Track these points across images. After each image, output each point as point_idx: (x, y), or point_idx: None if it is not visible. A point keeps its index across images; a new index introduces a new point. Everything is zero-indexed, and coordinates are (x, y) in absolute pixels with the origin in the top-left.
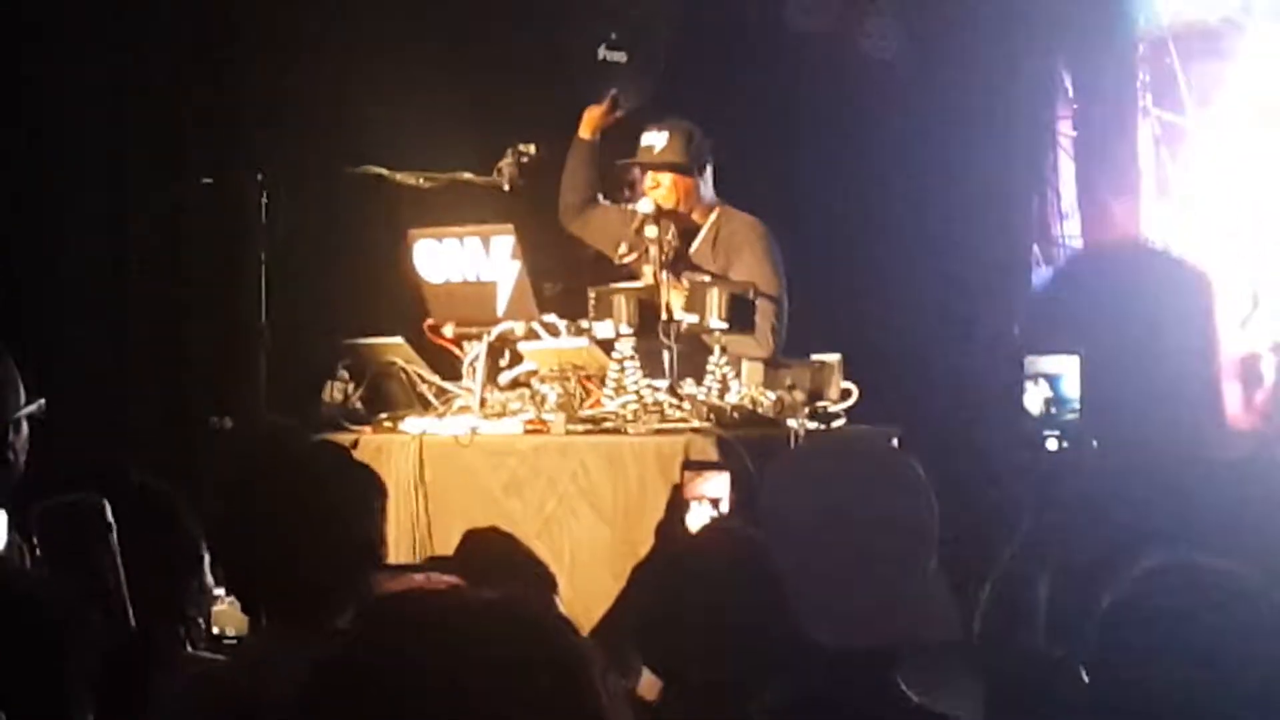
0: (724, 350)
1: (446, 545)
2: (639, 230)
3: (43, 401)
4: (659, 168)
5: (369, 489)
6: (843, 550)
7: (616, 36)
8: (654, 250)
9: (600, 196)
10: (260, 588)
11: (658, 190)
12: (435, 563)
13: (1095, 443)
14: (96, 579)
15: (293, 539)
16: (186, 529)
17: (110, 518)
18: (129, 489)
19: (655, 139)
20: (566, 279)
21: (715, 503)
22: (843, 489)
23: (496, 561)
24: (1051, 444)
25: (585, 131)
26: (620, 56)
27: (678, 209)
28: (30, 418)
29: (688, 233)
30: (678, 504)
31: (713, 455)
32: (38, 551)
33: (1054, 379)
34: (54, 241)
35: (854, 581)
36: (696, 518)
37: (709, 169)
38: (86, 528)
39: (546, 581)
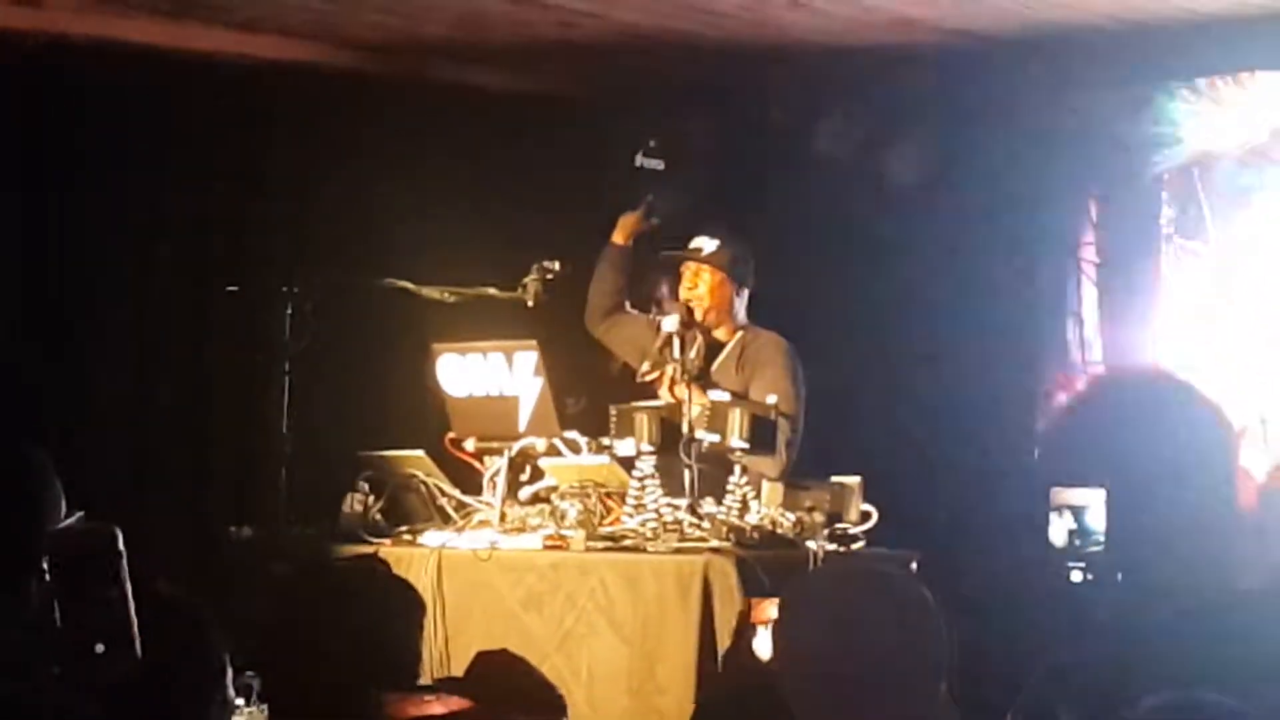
0: (744, 470)
1: (464, 660)
2: (662, 348)
3: (82, 514)
4: (705, 263)
5: (412, 610)
6: (853, 675)
7: (655, 144)
8: (676, 369)
9: (628, 304)
10: (299, 698)
11: (695, 291)
12: (447, 684)
13: (1120, 575)
14: (106, 608)
15: (335, 660)
16: (212, 642)
17: (121, 547)
18: (157, 602)
19: (707, 243)
20: (589, 395)
21: None
22: (853, 614)
23: (508, 684)
24: (1076, 575)
25: (619, 237)
26: (657, 164)
27: (705, 320)
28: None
29: (711, 351)
30: (745, 630)
31: (732, 575)
32: (48, 578)
33: (1079, 511)
34: (78, 348)
35: (864, 707)
36: (764, 643)
37: (747, 291)
38: (98, 556)
39: (556, 706)
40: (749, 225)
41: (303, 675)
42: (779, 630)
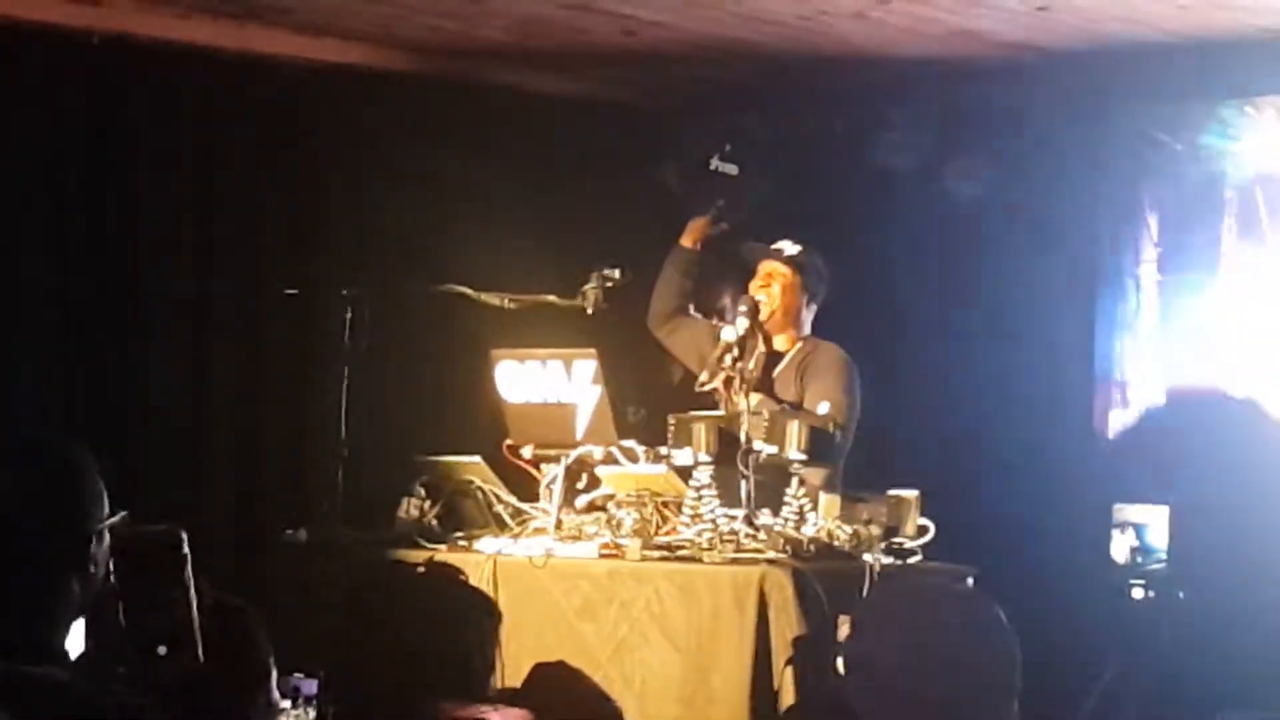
0: (801, 482)
1: (518, 667)
2: (721, 356)
3: (125, 513)
4: (784, 263)
5: (484, 618)
6: (927, 694)
7: (730, 148)
8: (735, 378)
9: (691, 308)
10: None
11: (768, 290)
12: (504, 695)
13: (1181, 593)
14: (169, 611)
15: (402, 666)
16: (259, 645)
17: (187, 549)
18: (205, 604)
19: (790, 246)
20: (648, 405)
21: None
22: (928, 632)
23: (565, 696)
24: (1138, 593)
25: (687, 240)
26: (731, 168)
27: (769, 322)
28: (112, 529)
29: (770, 361)
30: (828, 647)
31: (788, 587)
32: (112, 579)
33: (1140, 528)
34: (137, 349)
35: None
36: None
37: (815, 305)
38: (164, 557)
39: (613, 716)
40: (806, 235)
41: (363, 681)
42: (852, 647)
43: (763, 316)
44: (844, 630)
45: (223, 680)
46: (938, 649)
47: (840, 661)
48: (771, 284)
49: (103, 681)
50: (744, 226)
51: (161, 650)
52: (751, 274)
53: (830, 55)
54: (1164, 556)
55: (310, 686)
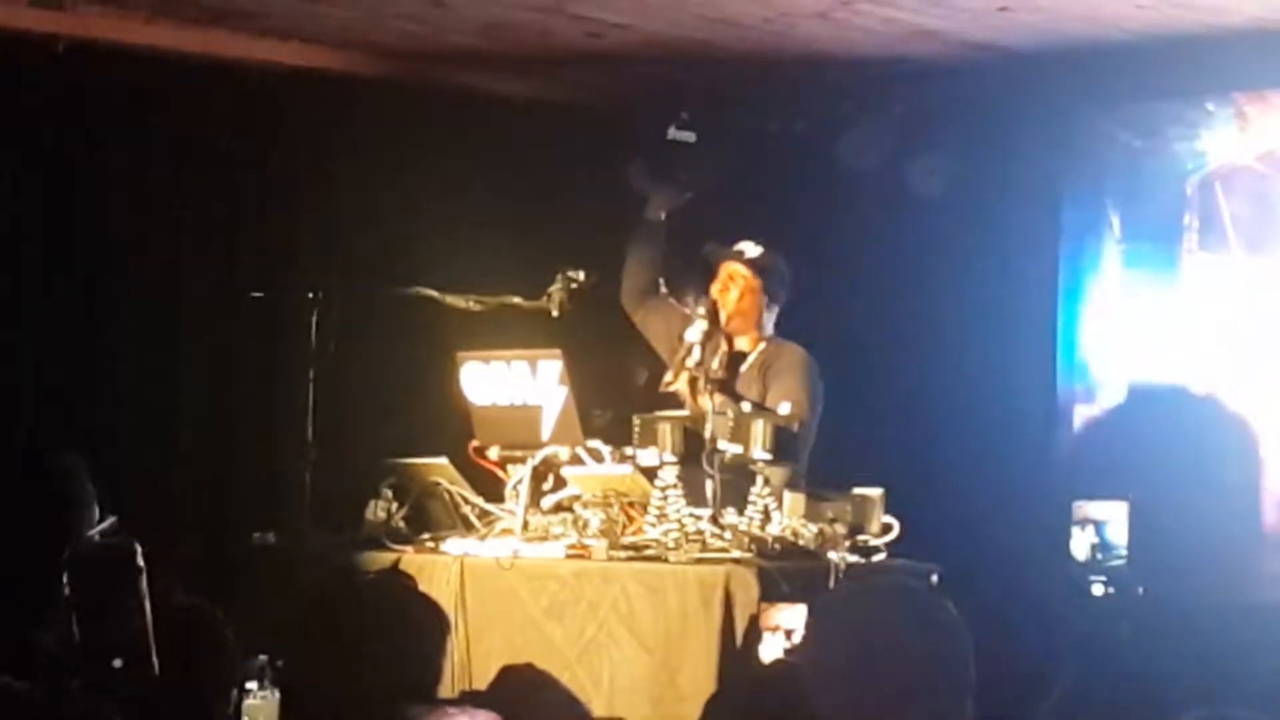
0: (766, 481)
1: (486, 667)
2: (684, 356)
3: (115, 519)
4: (745, 265)
5: (434, 624)
6: (880, 692)
7: (686, 117)
8: (699, 377)
9: (664, 286)
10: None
11: (727, 294)
12: (470, 697)
13: (1141, 590)
14: (124, 622)
15: (356, 676)
16: (226, 650)
17: (141, 562)
18: (175, 604)
19: (751, 249)
20: (613, 405)
21: (789, 634)
22: (881, 632)
23: (531, 698)
24: (1097, 589)
25: (652, 212)
26: (689, 136)
27: (730, 325)
28: (102, 535)
29: (733, 361)
30: (752, 634)
31: (754, 586)
32: (68, 591)
33: (1100, 525)
34: (102, 355)
35: None
36: (770, 648)
37: (777, 307)
38: (118, 570)
39: (580, 717)
40: (769, 235)
41: (325, 686)
42: (805, 646)
43: (722, 319)
44: (766, 618)
45: (182, 689)
46: (890, 648)
47: (761, 649)
48: (731, 287)
49: (61, 691)
50: (707, 195)
51: (117, 662)
52: (713, 275)
53: (793, 56)
54: (1124, 553)
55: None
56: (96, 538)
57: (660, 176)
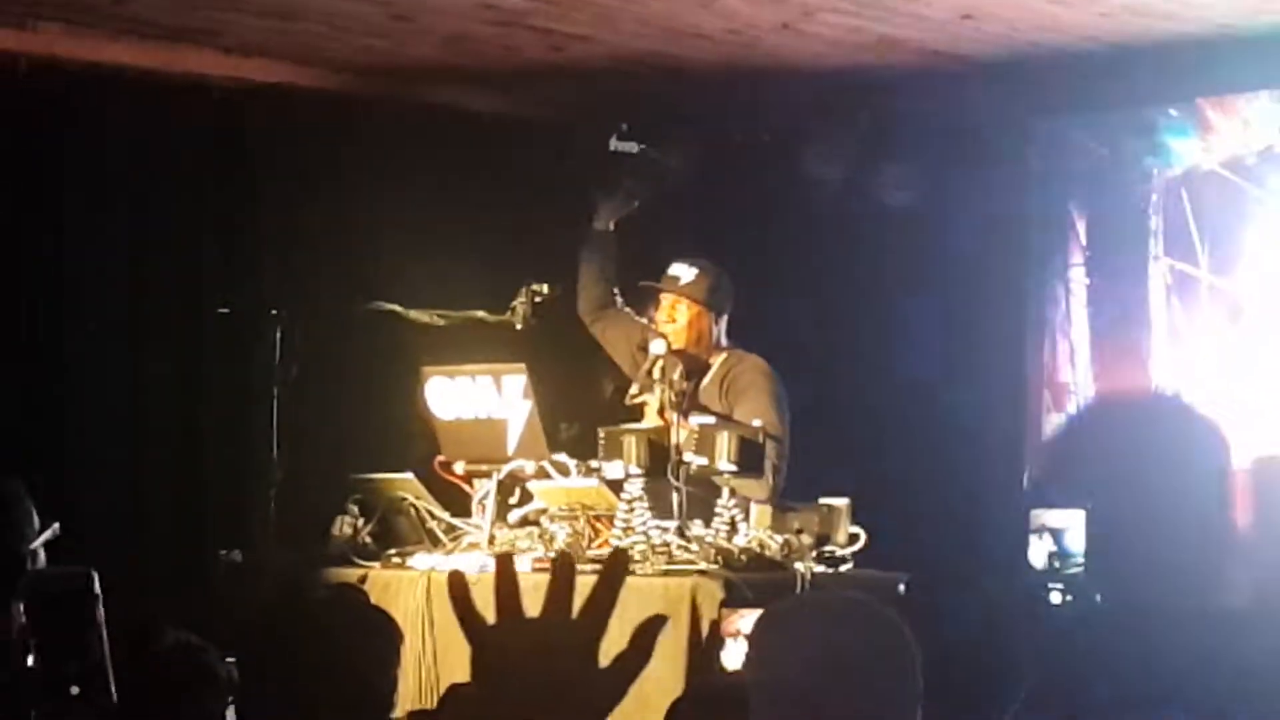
0: (732, 492)
1: (452, 683)
2: (649, 371)
3: (56, 526)
4: (682, 294)
5: (386, 642)
6: (824, 704)
7: (628, 128)
8: (664, 392)
9: (619, 299)
10: None
11: (673, 325)
12: (419, 717)
13: (1099, 597)
14: (81, 651)
15: (308, 692)
16: (217, 686)
17: (98, 589)
18: (166, 642)
19: (684, 272)
20: (578, 418)
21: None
22: (825, 643)
23: (482, 715)
24: (1055, 597)
25: (599, 223)
26: (631, 146)
27: (688, 349)
28: (46, 546)
29: (696, 372)
30: (713, 640)
31: (720, 599)
32: (24, 619)
33: (1058, 533)
34: (67, 371)
35: None
36: (732, 654)
37: (725, 316)
38: (74, 598)
39: None
40: (735, 246)
41: (277, 703)
42: (751, 659)
43: (675, 347)
44: (727, 624)
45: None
46: (834, 659)
47: (723, 656)
48: (675, 318)
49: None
50: (664, 241)
51: (73, 690)
52: (657, 304)
53: (758, 67)
54: (1082, 561)
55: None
56: (40, 551)
57: (606, 187)
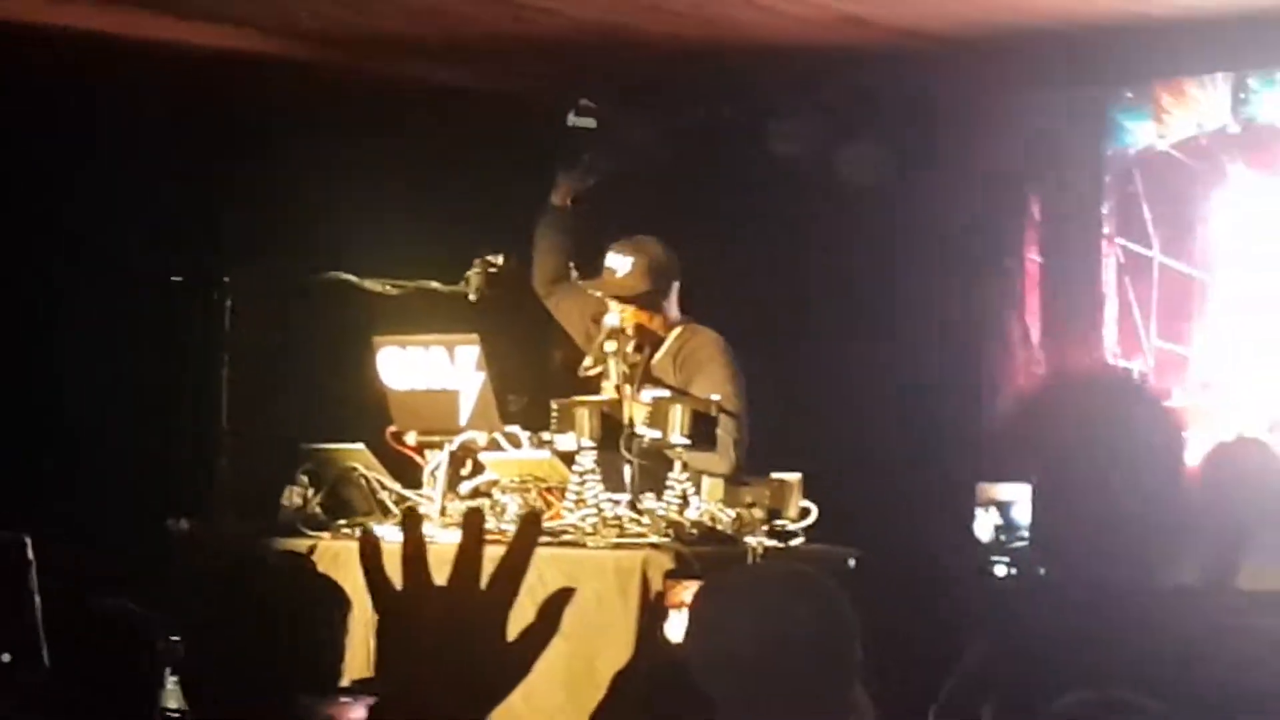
0: (685, 466)
1: None
2: (603, 344)
3: None
4: (619, 295)
5: (334, 611)
6: (762, 674)
7: (586, 103)
8: (617, 365)
9: (574, 274)
10: (214, 704)
11: (623, 316)
12: (366, 685)
13: (1043, 571)
14: (14, 617)
15: (255, 661)
16: (152, 654)
17: (31, 556)
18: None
19: (619, 263)
20: (531, 390)
21: None
22: (764, 614)
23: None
24: (1000, 571)
25: (557, 198)
26: (589, 122)
27: (641, 325)
28: None
29: (650, 346)
30: (658, 612)
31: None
32: None
33: (1005, 506)
34: (18, 342)
35: (774, 706)
36: (676, 626)
37: (675, 286)
38: (9, 565)
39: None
40: (696, 222)
41: (221, 673)
42: (691, 632)
43: (629, 333)
44: (675, 596)
45: (105, 693)
46: (775, 631)
47: (667, 627)
48: (621, 310)
49: None
50: (627, 223)
51: (5, 658)
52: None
53: (723, 43)
54: (1027, 535)
55: None
56: None
57: (565, 161)
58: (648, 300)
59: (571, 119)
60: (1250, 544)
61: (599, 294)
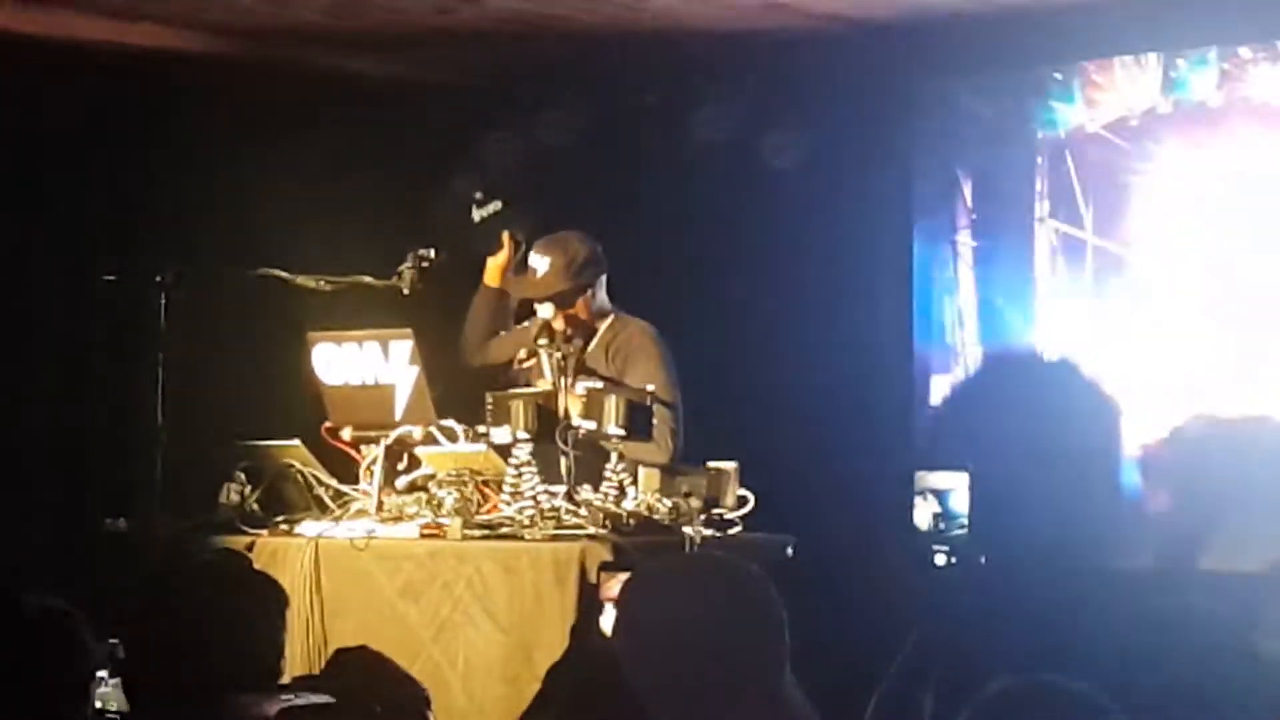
0: (622, 456)
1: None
2: (537, 336)
3: None
4: (540, 296)
5: (272, 608)
6: (688, 664)
7: (483, 194)
8: (551, 356)
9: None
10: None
11: (554, 320)
12: (306, 682)
13: (983, 559)
14: None
15: (194, 659)
16: (84, 651)
17: None
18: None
19: (539, 262)
20: (464, 384)
21: None
22: (692, 604)
23: (366, 680)
24: (939, 559)
25: (490, 279)
26: (495, 206)
27: (573, 316)
28: None
29: (583, 337)
30: (592, 605)
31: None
32: None
33: (943, 494)
34: None
35: (701, 696)
36: (610, 618)
37: (602, 278)
38: None
39: (419, 700)
40: (620, 209)
41: (161, 672)
42: (619, 623)
43: (559, 326)
44: (609, 588)
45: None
46: (701, 620)
47: (604, 620)
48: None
49: None
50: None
51: None
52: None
53: (645, 30)
54: (965, 523)
55: None
56: None
57: (486, 240)
58: (568, 298)
59: (476, 215)
60: (1209, 526)
61: (522, 294)
